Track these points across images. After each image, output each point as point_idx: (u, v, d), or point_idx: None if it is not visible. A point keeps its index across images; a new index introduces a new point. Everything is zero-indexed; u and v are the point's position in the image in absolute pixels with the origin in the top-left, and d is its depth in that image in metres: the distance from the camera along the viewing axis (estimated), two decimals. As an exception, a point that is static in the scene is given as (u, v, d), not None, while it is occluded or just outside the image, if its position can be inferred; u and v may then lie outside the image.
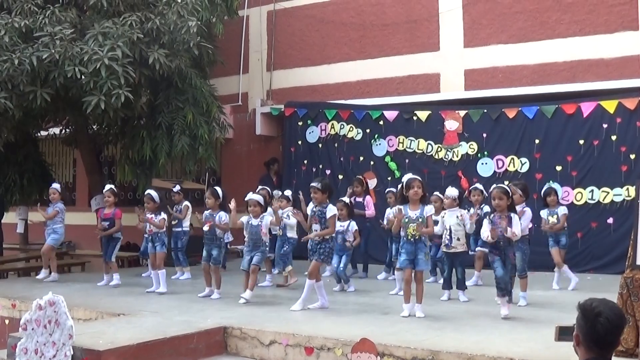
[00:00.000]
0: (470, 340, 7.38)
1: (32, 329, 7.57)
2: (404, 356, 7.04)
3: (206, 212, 11.24)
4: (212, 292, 10.98)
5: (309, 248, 9.79)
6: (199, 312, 9.50)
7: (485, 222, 9.05)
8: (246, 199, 10.84)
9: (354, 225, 11.82)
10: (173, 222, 13.66)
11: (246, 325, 8.43)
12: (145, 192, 12.16)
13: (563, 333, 4.13)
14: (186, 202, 13.91)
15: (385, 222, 12.28)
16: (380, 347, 7.13)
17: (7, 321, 10.75)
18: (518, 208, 9.54)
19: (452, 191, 10.85)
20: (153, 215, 11.87)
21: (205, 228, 11.02)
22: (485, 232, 8.94)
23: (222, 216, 11.04)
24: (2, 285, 13.19)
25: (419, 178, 9.17)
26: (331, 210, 9.66)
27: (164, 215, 12.08)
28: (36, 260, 16.87)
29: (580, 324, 3.80)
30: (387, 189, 13.17)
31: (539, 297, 10.41)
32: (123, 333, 8.03)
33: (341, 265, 11.49)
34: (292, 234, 12.47)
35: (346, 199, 12.21)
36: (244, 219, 10.80)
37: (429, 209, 9.12)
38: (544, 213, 11.75)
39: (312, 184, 9.80)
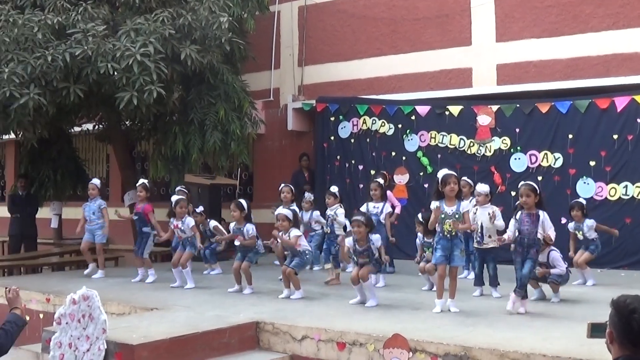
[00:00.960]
0: (502, 337, 7.34)
1: (67, 323, 7.64)
2: (436, 352, 7.02)
3: (233, 226, 11.27)
4: (242, 289, 11.00)
5: (351, 251, 9.77)
6: (232, 307, 9.53)
7: (512, 221, 9.03)
8: (275, 213, 10.90)
9: (387, 207, 11.85)
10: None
11: (278, 321, 8.45)
12: (176, 198, 12.15)
13: (595, 330, 4.09)
14: (213, 221, 13.66)
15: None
16: (412, 343, 7.13)
17: (41, 315, 10.87)
18: None
19: (483, 187, 10.76)
20: (179, 223, 11.88)
21: (237, 243, 11.08)
22: (509, 232, 8.96)
23: (249, 229, 11.05)
24: (36, 279, 13.32)
25: (455, 174, 9.15)
26: (377, 240, 9.65)
27: (191, 222, 12.07)
28: (70, 255, 17.04)
29: (614, 321, 3.76)
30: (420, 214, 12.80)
31: (573, 294, 10.33)
32: (156, 327, 8.09)
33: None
34: (340, 231, 12.34)
35: (381, 180, 12.26)
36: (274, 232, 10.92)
37: (465, 205, 9.12)
38: (571, 226, 11.73)
39: (355, 217, 9.75)
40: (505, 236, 9.15)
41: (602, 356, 4.76)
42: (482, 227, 10.31)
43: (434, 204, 9.15)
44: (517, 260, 8.89)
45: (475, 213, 10.42)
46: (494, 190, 13.63)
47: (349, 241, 9.80)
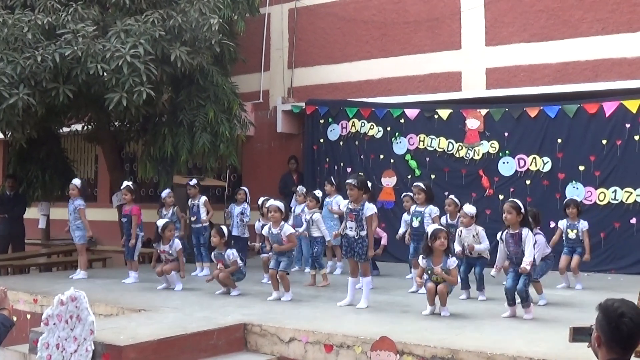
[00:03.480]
0: (489, 340, 7.38)
1: (54, 324, 7.63)
2: (423, 354, 7.04)
3: (215, 252, 11.23)
4: (229, 291, 10.99)
5: (344, 245, 9.83)
6: (220, 309, 9.53)
7: (501, 244, 9.00)
8: (266, 205, 10.89)
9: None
10: (192, 219, 13.69)
11: (266, 322, 8.46)
12: (164, 222, 12.07)
13: (577, 334, 4.11)
14: (204, 197, 13.92)
15: (401, 231, 12.15)
16: (400, 345, 7.15)
17: (29, 316, 10.85)
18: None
19: (470, 209, 10.55)
20: (166, 247, 11.80)
21: (219, 266, 11.08)
22: (498, 259, 8.99)
23: (230, 254, 11.04)
24: (24, 280, 13.28)
25: (445, 229, 9.21)
26: (370, 209, 9.64)
27: (178, 245, 12.03)
28: (58, 256, 17.00)
29: (602, 325, 3.77)
30: (404, 194, 13.06)
31: (560, 297, 10.39)
32: (144, 329, 8.09)
33: None
34: (318, 233, 12.47)
35: (352, 181, 12.28)
36: (265, 230, 10.84)
37: (452, 262, 9.06)
38: (562, 224, 11.76)
39: (348, 181, 9.80)
40: (494, 271, 9.13)
41: (589, 359, 4.78)
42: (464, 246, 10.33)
43: (421, 261, 9.17)
44: (509, 270, 8.92)
45: (460, 235, 10.40)
46: (482, 194, 13.74)
47: (343, 205, 10.08)
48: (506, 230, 8.89)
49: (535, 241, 9.07)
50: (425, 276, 9.12)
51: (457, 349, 6.92)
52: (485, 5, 15.61)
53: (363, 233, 9.57)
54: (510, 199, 9.13)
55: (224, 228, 11.36)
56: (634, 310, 3.73)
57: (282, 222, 10.55)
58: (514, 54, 15.26)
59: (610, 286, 11.65)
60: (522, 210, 8.78)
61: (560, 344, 6.86)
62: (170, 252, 11.73)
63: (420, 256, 9.22)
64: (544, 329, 8.04)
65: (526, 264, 8.59)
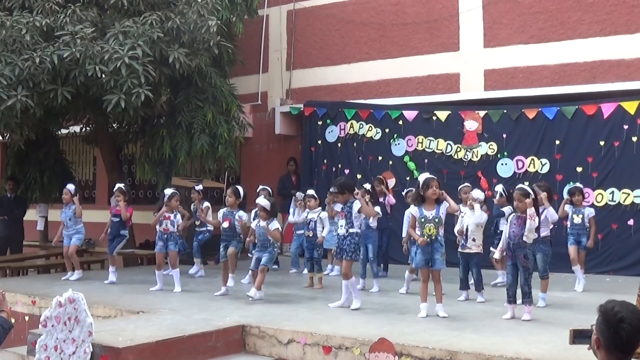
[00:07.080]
0: (488, 341, 7.37)
1: (52, 325, 7.61)
2: (421, 356, 7.04)
3: (224, 210, 11.25)
4: (228, 292, 10.98)
5: (337, 246, 9.89)
6: (218, 311, 9.52)
7: (506, 227, 9.08)
8: (256, 201, 10.92)
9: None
10: (197, 223, 13.60)
11: (264, 324, 8.45)
12: (172, 191, 12.11)
13: (577, 337, 4.10)
14: (207, 203, 13.89)
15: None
16: (398, 347, 7.15)
17: (27, 318, 10.83)
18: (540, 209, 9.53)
19: (477, 193, 10.76)
20: (171, 215, 11.87)
21: (225, 225, 11.03)
22: (504, 237, 9.02)
23: (242, 215, 11.04)
24: (22, 282, 13.27)
25: (436, 177, 9.24)
26: (357, 204, 9.76)
27: (180, 219, 12.08)
28: (56, 258, 16.95)
29: (601, 329, 3.75)
30: (407, 189, 13.04)
31: (559, 299, 10.38)
32: (142, 330, 8.08)
33: (370, 255, 11.68)
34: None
35: (367, 186, 12.22)
36: (253, 223, 10.88)
37: (444, 208, 9.14)
38: (568, 208, 11.76)
39: (330, 190, 9.97)
40: (497, 253, 9.20)
41: (587, 361, 4.78)
42: (467, 230, 10.33)
43: (413, 209, 9.22)
44: (507, 264, 9.00)
45: (462, 217, 10.45)
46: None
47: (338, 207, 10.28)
48: (512, 214, 9.05)
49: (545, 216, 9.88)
50: (418, 232, 9.12)
51: (456, 350, 6.92)
52: (483, 7, 15.61)
53: (352, 230, 9.70)
54: (519, 186, 9.21)
55: (240, 188, 11.36)
56: (633, 315, 3.71)
57: (271, 219, 10.51)
58: (512, 55, 15.26)
59: (609, 288, 11.65)
60: (532, 197, 8.90)
61: (559, 345, 6.87)
62: (174, 220, 11.82)
63: (412, 206, 9.32)
64: (542, 330, 8.04)
65: (527, 231, 8.75)
